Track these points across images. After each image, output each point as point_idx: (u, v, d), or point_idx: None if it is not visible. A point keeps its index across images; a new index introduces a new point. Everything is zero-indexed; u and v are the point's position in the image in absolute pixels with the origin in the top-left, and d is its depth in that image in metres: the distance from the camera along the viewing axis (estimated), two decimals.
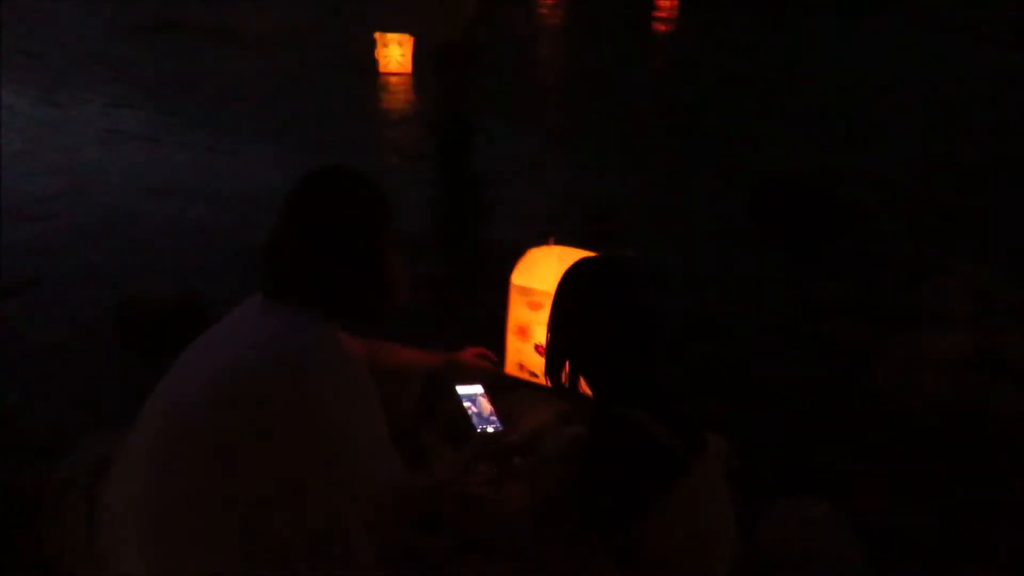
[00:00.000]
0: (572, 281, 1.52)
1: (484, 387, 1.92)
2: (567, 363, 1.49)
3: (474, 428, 1.82)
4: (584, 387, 1.52)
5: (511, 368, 2.33)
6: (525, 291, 2.23)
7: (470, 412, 1.84)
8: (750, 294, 3.69)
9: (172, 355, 1.40)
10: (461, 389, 1.89)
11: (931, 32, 10.96)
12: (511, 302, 2.25)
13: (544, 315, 1.99)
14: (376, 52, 8.19)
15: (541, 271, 2.27)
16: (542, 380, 2.17)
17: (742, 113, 7.10)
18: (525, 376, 2.31)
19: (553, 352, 1.52)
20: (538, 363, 2.23)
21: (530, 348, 2.26)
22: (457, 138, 5.44)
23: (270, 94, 7.41)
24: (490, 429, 1.82)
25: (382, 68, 8.19)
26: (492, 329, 2.36)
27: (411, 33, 8.03)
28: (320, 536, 1.24)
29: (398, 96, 7.73)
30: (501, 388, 2.14)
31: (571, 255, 2.26)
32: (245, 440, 1.20)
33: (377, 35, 8.19)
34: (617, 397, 1.41)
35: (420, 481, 1.50)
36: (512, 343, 2.29)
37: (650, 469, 1.32)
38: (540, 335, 2.18)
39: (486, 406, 1.87)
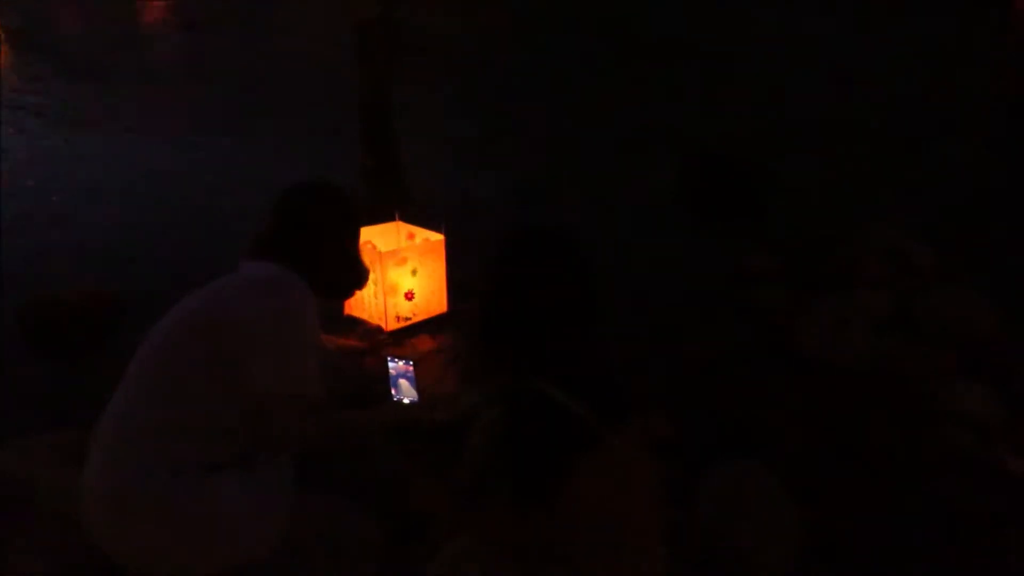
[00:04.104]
0: (521, 249, 1.50)
1: (414, 365, 2.16)
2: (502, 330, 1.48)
3: (391, 396, 2.07)
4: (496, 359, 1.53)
5: (391, 324, 2.82)
6: (392, 254, 2.75)
7: (394, 384, 2.10)
8: (676, 265, 3.75)
9: (90, 356, 1.38)
10: (392, 364, 2.13)
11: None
12: (382, 268, 2.70)
13: (408, 267, 2.76)
14: None
15: (389, 238, 2.96)
16: (416, 319, 2.87)
17: (666, 85, 7.18)
18: (402, 323, 2.84)
19: (491, 319, 1.50)
20: (408, 307, 2.84)
21: (402, 299, 2.81)
22: (379, 123, 5.32)
23: None
24: (406, 400, 2.06)
25: None
26: None
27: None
28: (249, 416, 1.62)
29: None
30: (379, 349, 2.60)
31: (409, 230, 3.00)
32: (210, 335, 1.62)
33: None
34: (539, 369, 1.42)
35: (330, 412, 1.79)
36: (390, 301, 2.78)
37: (565, 442, 1.35)
38: (407, 284, 2.80)
39: (408, 381, 2.12)
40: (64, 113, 6.18)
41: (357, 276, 1.99)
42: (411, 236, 3.00)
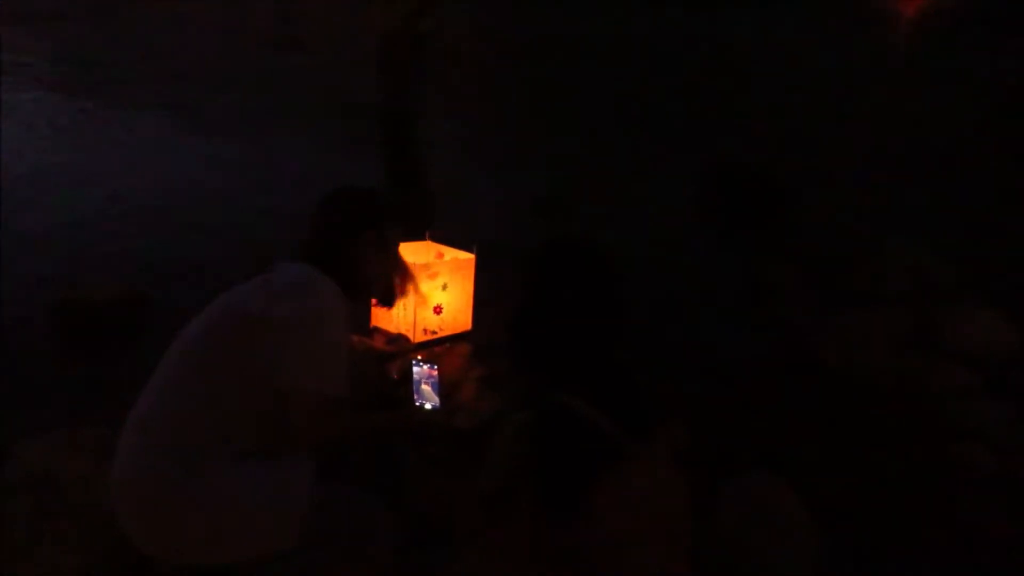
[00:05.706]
0: (553, 261, 1.53)
1: (439, 370, 2.14)
2: (536, 335, 1.50)
3: (412, 401, 2.07)
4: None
5: (418, 336, 2.84)
6: (425, 267, 2.82)
7: (416, 389, 2.10)
8: (698, 278, 3.75)
9: (118, 354, 1.39)
10: (416, 368, 2.13)
11: (866, 25, 11.23)
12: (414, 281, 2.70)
13: (439, 281, 2.83)
14: None
15: (419, 256, 2.96)
16: (441, 333, 2.92)
17: (690, 102, 7.20)
18: (429, 336, 2.88)
19: (520, 330, 1.53)
20: (435, 321, 2.89)
21: (430, 312, 2.86)
22: (401, 132, 5.37)
23: None
24: (427, 406, 2.06)
25: None
26: None
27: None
28: (275, 410, 1.63)
29: None
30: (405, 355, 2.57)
31: (442, 249, 3.03)
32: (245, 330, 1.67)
33: None
34: (567, 381, 1.44)
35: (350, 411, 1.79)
36: (420, 314, 2.83)
37: (590, 457, 1.36)
38: (436, 298, 2.86)
39: (431, 386, 2.12)
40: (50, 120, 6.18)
41: (392, 285, 2.05)
42: (440, 255, 3.03)
